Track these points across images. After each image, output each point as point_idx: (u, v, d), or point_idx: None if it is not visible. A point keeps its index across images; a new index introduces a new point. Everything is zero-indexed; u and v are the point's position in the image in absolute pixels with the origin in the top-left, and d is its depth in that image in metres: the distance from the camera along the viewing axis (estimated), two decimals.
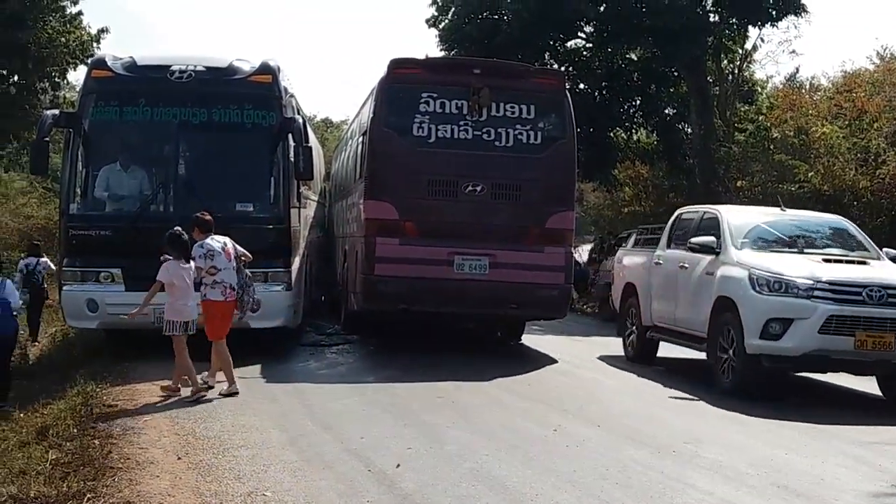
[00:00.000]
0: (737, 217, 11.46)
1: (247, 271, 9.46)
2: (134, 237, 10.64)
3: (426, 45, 50.60)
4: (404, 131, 11.79)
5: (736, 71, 28.94)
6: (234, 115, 11.24)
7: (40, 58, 25.81)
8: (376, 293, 11.81)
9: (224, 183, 11.42)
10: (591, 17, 25.45)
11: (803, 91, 28.89)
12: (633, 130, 30.17)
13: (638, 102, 28.71)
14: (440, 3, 26.75)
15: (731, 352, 10.11)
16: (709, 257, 10.91)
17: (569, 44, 27.91)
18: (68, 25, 26.67)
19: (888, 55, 29.33)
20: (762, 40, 28.73)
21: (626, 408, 9.46)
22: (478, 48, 24.37)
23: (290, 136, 11.28)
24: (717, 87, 28.13)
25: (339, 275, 15.16)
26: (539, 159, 11.87)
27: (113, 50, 12.68)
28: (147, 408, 8.53)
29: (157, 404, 8.70)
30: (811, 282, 9.59)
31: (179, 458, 6.75)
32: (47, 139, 10.98)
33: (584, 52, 28.22)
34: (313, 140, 14.30)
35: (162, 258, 9.08)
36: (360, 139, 13.25)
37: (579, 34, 27.31)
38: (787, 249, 10.81)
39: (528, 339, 14.10)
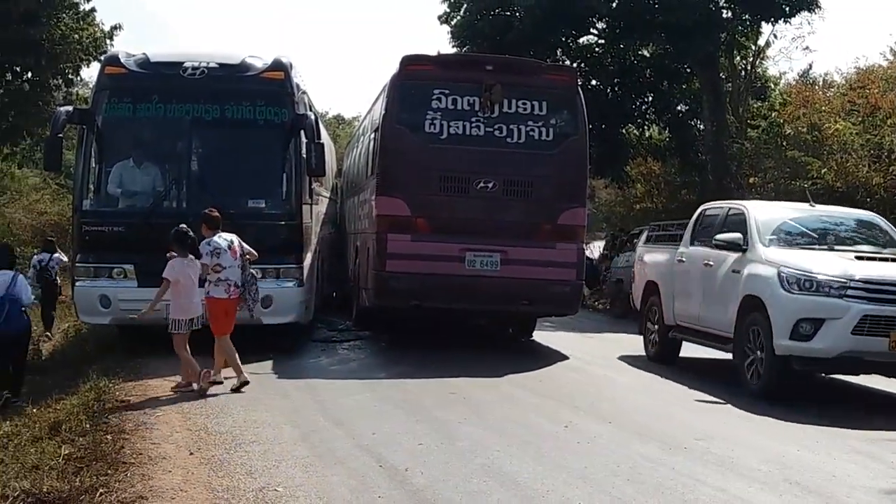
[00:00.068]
0: (764, 212, 11.07)
1: (251, 270, 9.49)
2: (146, 233, 10.63)
3: (438, 42, 50.65)
4: (416, 128, 11.79)
5: (749, 67, 28.83)
6: (246, 111, 11.26)
7: (54, 54, 25.85)
8: (388, 289, 11.82)
9: (236, 179, 11.44)
10: (603, 14, 25.44)
11: (816, 87, 28.71)
12: (646, 127, 30.18)
13: (650, 99, 28.71)
14: (452, 0, 26.76)
15: (758, 353, 9.74)
16: (735, 255, 10.52)
17: (581, 40, 27.93)
18: (81, 22, 26.75)
19: None
20: (775, 36, 28.61)
21: (637, 404, 9.44)
22: (490, 45, 24.31)
23: (302, 132, 11.27)
24: (730, 84, 28.03)
25: (351, 271, 15.18)
26: (551, 156, 11.86)
27: (126, 47, 12.72)
28: (159, 403, 8.57)
29: (169, 400, 8.74)
30: (844, 280, 9.18)
31: (191, 454, 6.78)
32: (61, 136, 11.02)
33: (597, 49, 28.21)
34: (325, 136, 14.31)
35: (168, 255, 9.13)
36: (372, 135, 13.26)
37: (591, 30, 27.31)
38: (816, 246, 10.41)
39: (540, 336, 14.08)
